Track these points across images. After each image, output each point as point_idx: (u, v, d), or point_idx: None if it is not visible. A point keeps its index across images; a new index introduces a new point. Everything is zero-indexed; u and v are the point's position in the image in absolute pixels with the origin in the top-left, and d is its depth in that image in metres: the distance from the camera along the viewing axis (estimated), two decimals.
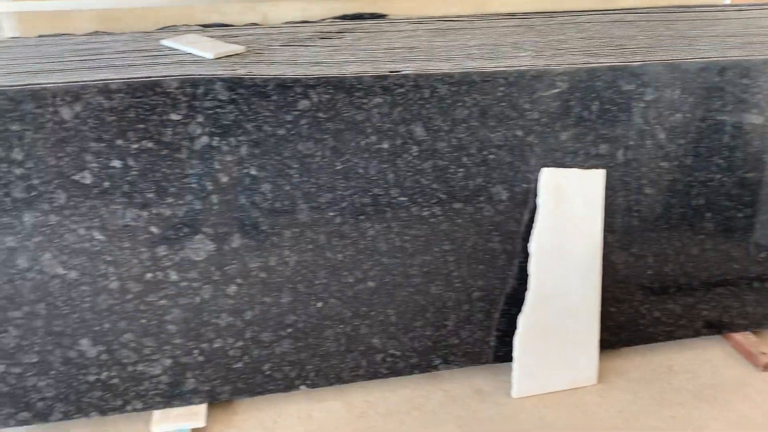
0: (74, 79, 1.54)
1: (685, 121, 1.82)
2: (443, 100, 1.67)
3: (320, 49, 1.90)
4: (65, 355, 1.66)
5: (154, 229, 1.63)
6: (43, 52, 1.87)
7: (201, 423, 1.74)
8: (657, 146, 1.83)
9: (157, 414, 1.76)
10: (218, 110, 1.58)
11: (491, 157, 1.74)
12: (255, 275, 1.71)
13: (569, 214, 1.79)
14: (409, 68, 1.68)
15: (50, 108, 1.50)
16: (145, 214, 1.61)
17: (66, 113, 1.51)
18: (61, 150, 1.53)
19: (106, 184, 1.57)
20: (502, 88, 1.69)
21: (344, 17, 2.37)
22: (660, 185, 1.87)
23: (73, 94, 1.51)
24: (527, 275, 1.82)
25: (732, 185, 1.91)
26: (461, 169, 1.74)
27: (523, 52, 1.86)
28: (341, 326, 1.80)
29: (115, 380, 1.70)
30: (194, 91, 1.55)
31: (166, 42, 1.91)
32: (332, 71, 1.65)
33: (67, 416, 1.71)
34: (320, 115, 1.62)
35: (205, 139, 1.59)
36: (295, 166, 1.65)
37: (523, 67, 1.71)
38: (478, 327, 1.89)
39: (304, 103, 1.61)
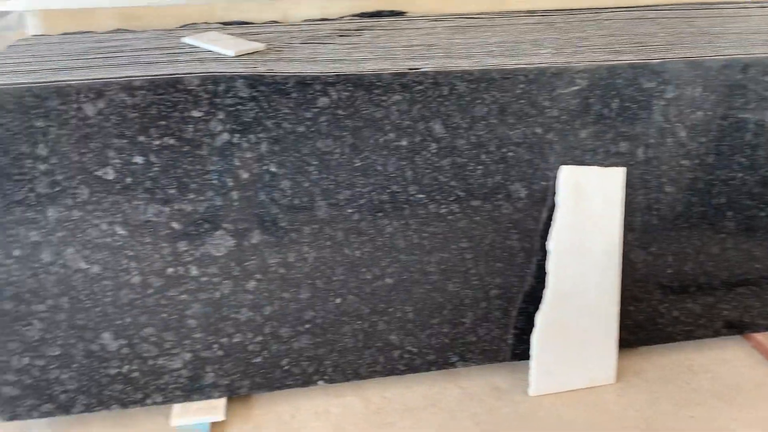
0: (97, 76, 1.56)
1: (707, 119, 1.81)
2: (462, 98, 1.67)
3: (339, 46, 1.91)
4: (87, 348, 1.69)
5: (175, 225, 1.65)
6: (67, 49, 1.89)
7: (220, 417, 1.76)
8: (678, 144, 1.82)
9: (176, 407, 1.78)
10: (239, 107, 1.59)
11: (510, 154, 1.74)
12: (274, 271, 1.73)
13: (588, 212, 1.79)
14: (428, 65, 1.68)
15: (74, 105, 1.52)
16: (166, 209, 1.63)
17: (89, 110, 1.54)
18: (84, 146, 1.55)
19: (129, 180, 1.59)
20: (521, 86, 1.69)
21: (363, 15, 2.38)
22: (680, 183, 1.86)
23: (97, 90, 1.53)
24: (545, 273, 1.82)
25: (754, 184, 1.89)
26: (480, 167, 1.74)
27: (543, 50, 1.85)
28: (359, 322, 1.81)
29: (136, 374, 1.73)
30: (215, 88, 1.57)
31: (187, 39, 1.93)
32: (351, 69, 1.65)
33: (88, 409, 1.73)
34: (339, 112, 1.63)
35: (225, 136, 1.60)
36: (314, 163, 1.66)
37: (543, 65, 1.70)
38: (496, 325, 1.89)
39: (323, 101, 1.62)
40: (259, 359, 1.78)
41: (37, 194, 1.57)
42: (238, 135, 1.61)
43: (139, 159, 1.59)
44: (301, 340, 1.79)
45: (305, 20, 2.33)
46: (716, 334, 2.04)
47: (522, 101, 1.70)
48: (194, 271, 1.69)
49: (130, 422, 1.79)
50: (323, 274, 1.75)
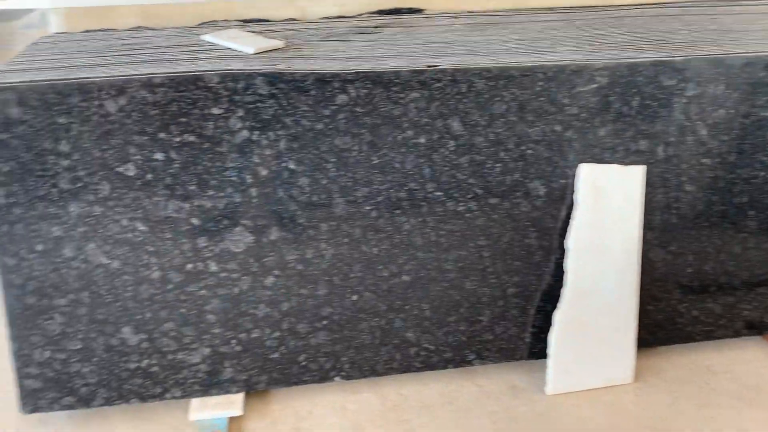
0: (119, 74, 1.58)
1: (729, 117, 1.79)
2: (481, 95, 1.67)
3: (358, 44, 1.91)
4: (108, 342, 1.71)
5: (195, 221, 1.66)
6: (89, 46, 1.91)
7: (238, 412, 1.77)
8: (698, 142, 1.80)
9: (195, 402, 1.79)
10: (258, 104, 1.60)
11: (529, 152, 1.74)
12: (292, 267, 1.74)
13: (607, 210, 1.78)
14: (446, 63, 1.68)
15: (96, 101, 1.54)
16: (186, 206, 1.65)
17: (111, 106, 1.55)
18: (105, 142, 1.57)
19: (149, 176, 1.61)
20: (540, 83, 1.68)
21: (381, 12, 2.38)
22: (701, 182, 1.84)
23: (118, 87, 1.54)
24: (564, 272, 1.81)
25: None
26: (498, 164, 1.74)
27: (563, 47, 1.84)
28: (376, 319, 1.82)
29: (155, 368, 1.75)
30: (235, 85, 1.58)
31: (206, 37, 1.94)
32: (370, 66, 1.66)
33: (108, 402, 1.75)
34: (358, 109, 1.63)
35: (245, 133, 1.61)
36: (333, 160, 1.67)
37: (562, 62, 1.69)
38: (513, 323, 1.88)
39: (341, 98, 1.62)
40: (276, 355, 1.80)
41: (59, 190, 1.59)
42: (257, 132, 1.62)
43: (159, 155, 1.60)
44: (319, 337, 1.80)
45: (323, 18, 2.34)
46: (736, 334, 2.02)
47: (541, 99, 1.69)
48: (213, 266, 1.70)
49: (150, 416, 1.81)
50: (340, 270, 1.76)
